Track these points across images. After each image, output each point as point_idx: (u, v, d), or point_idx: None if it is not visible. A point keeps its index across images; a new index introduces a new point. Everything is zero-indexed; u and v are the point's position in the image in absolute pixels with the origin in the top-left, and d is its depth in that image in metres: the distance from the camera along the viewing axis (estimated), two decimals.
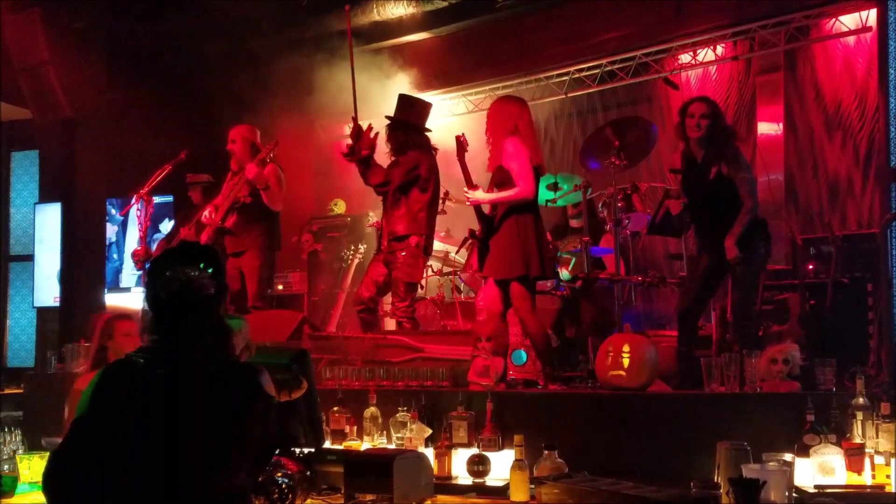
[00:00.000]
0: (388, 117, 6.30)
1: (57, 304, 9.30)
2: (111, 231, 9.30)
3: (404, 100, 6.39)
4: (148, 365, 2.27)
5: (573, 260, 6.92)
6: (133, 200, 6.32)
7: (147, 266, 3.31)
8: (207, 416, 2.22)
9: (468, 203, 5.59)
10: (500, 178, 5.42)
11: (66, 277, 9.31)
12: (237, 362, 2.45)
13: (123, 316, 4.79)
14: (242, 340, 3.09)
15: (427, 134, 6.24)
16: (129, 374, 2.29)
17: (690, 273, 5.36)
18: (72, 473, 2.27)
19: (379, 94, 7.86)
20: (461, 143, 5.68)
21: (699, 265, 5.17)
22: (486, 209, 5.55)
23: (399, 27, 8.26)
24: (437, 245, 7.61)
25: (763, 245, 4.97)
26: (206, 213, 6.88)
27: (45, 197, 9.69)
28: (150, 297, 2.38)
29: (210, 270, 2.36)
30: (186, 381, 2.23)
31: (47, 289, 9.43)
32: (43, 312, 9.55)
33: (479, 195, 5.50)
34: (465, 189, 5.58)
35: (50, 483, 2.31)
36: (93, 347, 4.62)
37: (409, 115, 6.26)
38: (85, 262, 9.34)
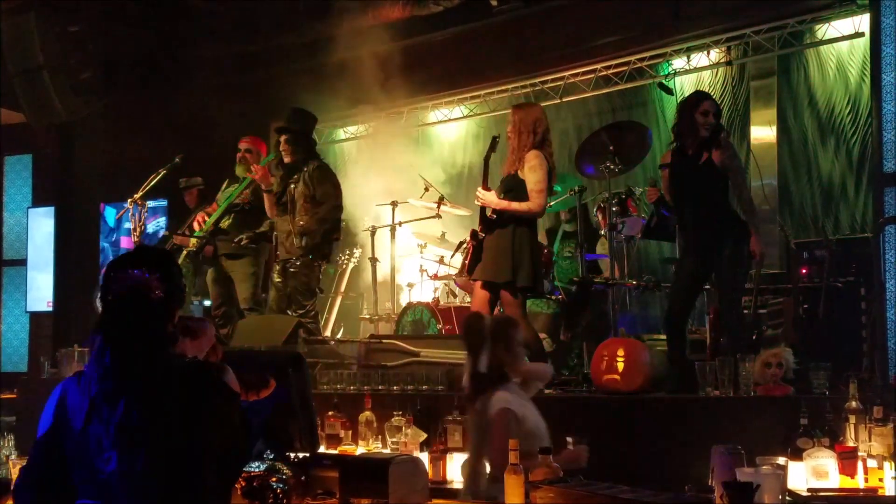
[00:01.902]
0: (281, 129, 6.48)
1: (50, 308, 9.27)
2: (105, 235, 9.28)
3: (300, 112, 6.59)
4: (96, 369, 2.27)
5: (566, 262, 6.93)
6: (127, 204, 6.30)
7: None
8: (164, 415, 2.22)
9: (477, 202, 5.48)
10: (512, 185, 5.32)
11: (59, 282, 9.28)
12: (195, 360, 2.45)
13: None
14: (207, 343, 3.06)
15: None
16: (82, 384, 2.28)
17: (675, 276, 5.37)
18: (40, 487, 2.28)
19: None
20: (495, 144, 5.56)
21: (683, 268, 5.18)
22: (488, 212, 5.48)
23: (394, 31, 8.25)
24: (433, 249, 7.61)
25: (742, 244, 4.95)
26: (196, 221, 6.84)
27: (39, 201, 9.66)
28: (101, 299, 2.39)
29: (159, 275, 2.35)
30: (139, 384, 2.23)
31: (40, 294, 9.40)
32: (36, 317, 9.52)
33: (491, 199, 5.35)
34: (479, 189, 5.46)
35: (19, 497, 2.32)
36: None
37: (307, 127, 6.49)
38: (79, 266, 9.31)
